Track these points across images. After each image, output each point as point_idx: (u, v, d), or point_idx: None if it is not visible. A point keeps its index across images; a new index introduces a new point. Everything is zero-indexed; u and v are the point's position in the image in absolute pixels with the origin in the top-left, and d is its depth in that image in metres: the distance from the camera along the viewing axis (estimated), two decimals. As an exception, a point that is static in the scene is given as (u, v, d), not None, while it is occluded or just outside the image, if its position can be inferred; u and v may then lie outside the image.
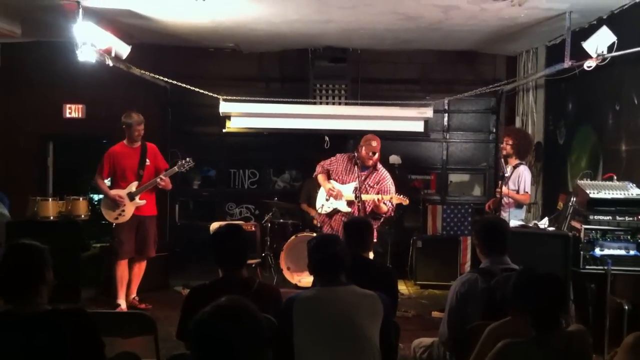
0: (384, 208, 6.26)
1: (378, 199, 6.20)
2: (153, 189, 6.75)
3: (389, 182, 6.45)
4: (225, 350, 1.93)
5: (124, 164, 6.64)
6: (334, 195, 6.39)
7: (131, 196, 6.58)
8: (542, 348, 2.68)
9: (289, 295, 3.31)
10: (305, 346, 3.11)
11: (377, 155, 6.43)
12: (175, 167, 6.74)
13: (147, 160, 6.71)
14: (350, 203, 6.37)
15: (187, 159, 6.77)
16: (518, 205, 6.67)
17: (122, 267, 6.66)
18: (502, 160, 6.46)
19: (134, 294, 6.84)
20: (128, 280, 6.74)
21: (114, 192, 6.59)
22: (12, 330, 2.69)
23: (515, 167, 6.68)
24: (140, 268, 6.84)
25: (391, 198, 6.30)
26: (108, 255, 7.26)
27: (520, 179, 6.60)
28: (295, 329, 3.12)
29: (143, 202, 6.65)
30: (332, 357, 3.07)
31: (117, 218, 6.59)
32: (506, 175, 6.54)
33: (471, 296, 3.58)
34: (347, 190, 6.42)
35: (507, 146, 6.72)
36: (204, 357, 1.95)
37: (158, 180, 6.61)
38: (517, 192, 6.60)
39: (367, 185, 6.38)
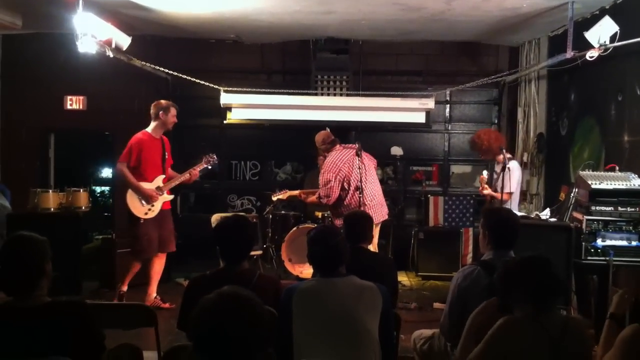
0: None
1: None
2: None
3: (322, 171, 6.57)
4: (225, 339, 1.93)
5: (150, 156, 6.39)
6: None
7: (160, 191, 6.43)
8: (538, 326, 2.72)
9: (288, 286, 3.31)
10: (304, 337, 3.11)
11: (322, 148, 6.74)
12: (203, 163, 6.60)
13: (166, 153, 6.55)
14: None
15: (211, 154, 6.65)
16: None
17: (139, 265, 6.49)
18: (504, 152, 6.41)
19: (155, 293, 6.61)
20: (149, 277, 6.58)
21: (147, 187, 6.34)
22: (13, 323, 2.70)
23: (504, 163, 6.34)
24: (162, 264, 6.64)
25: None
26: (110, 247, 7.27)
27: (507, 177, 6.34)
28: (294, 320, 3.12)
29: (171, 196, 6.58)
30: (331, 348, 3.07)
31: (146, 213, 6.37)
32: (496, 171, 6.76)
33: (472, 289, 3.56)
34: None
35: (483, 156, 6.86)
36: (204, 345, 1.95)
37: (187, 175, 6.51)
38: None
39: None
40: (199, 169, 6.63)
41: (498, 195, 6.47)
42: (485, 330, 2.84)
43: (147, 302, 6.38)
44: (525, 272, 2.87)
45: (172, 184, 6.51)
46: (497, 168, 6.74)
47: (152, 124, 6.50)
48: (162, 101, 6.61)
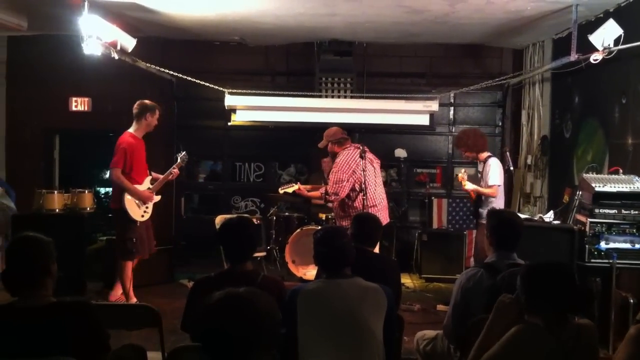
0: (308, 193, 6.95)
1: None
2: None
3: (334, 169, 6.48)
4: (226, 338, 1.94)
5: (138, 157, 6.37)
6: None
7: (151, 192, 6.46)
8: (554, 336, 2.66)
9: (293, 288, 3.32)
10: (308, 338, 3.12)
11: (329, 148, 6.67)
12: (180, 162, 6.59)
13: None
14: None
15: (182, 152, 6.62)
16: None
17: (130, 266, 6.46)
18: (507, 154, 6.44)
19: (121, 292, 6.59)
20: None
21: (144, 191, 6.37)
22: (18, 322, 2.71)
23: (484, 161, 6.57)
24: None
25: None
26: (114, 249, 7.28)
27: (487, 172, 6.45)
28: (299, 321, 3.13)
29: (159, 197, 6.58)
30: (336, 349, 3.08)
31: (142, 215, 6.40)
32: (480, 171, 6.73)
33: (476, 291, 3.57)
34: None
35: (465, 154, 6.76)
36: (207, 344, 1.96)
37: (170, 175, 6.51)
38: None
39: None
40: (177, 168, 6.58)
41: (483, 190, 6.45)
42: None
43: (111, 297, 6.54)
44: (560, 283, 2.73)
45: (159, 184, 6.53)
46: (480, 167, 6.80)
47: (136, 125, 6.43)
48: (147, 102, 6.50)
